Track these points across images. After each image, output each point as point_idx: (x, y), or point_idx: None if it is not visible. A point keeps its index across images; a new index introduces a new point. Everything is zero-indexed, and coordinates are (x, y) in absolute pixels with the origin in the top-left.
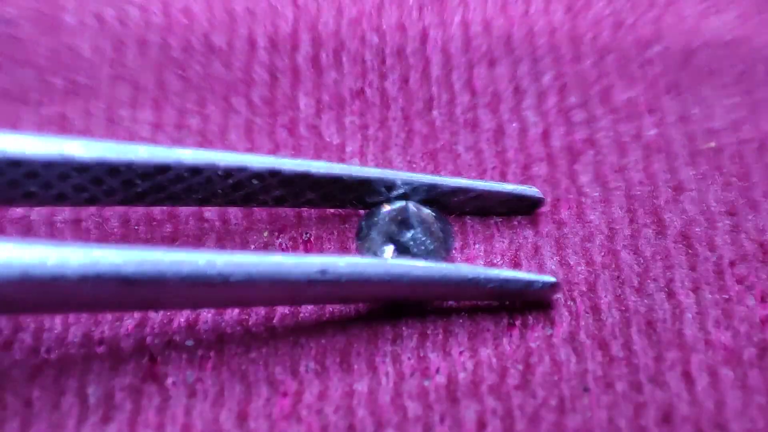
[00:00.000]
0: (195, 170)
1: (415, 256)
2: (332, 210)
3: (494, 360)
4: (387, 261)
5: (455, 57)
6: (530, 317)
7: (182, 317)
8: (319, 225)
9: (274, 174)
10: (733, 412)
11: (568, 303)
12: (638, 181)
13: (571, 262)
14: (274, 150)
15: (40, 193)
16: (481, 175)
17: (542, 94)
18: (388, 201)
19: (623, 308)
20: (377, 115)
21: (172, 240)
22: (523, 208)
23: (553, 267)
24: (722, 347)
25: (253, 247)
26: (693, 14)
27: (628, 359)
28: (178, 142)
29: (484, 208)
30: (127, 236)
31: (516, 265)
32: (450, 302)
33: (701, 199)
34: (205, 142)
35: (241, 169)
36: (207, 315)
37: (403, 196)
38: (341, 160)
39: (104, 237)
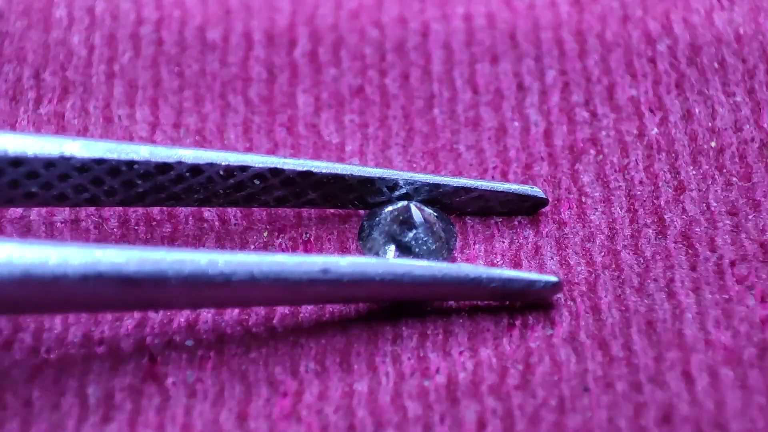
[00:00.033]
0: (196, 170)
1: (417, 256)
2: (332, 210)
3: (494, 360)
4: (389, 261)
5: (457, 53)
6: (530, 317)
7: (182, 317)
8: (319, 225)
9: (275, 173)
10: (733, 412)
11: (568, 303)
12: (639, 180)
13: (572, 262)
14: (273, 149)
15: (41, 193)
16: (482, 175)
17: (545, 91)
18: (390, 201)
19: (623, 308)
20: (377, 113)
21: (172, 240)
22: (526, 209)
23: (554, 267)
24: (722, 347)
25: (252, 247)
26: (702, 8)
27: (628, 359)
28: (176, 141)
29: (486, 208)
30: (126, 236)
31: (516, 265)
32: (450, 302)
33: (702, 199)
34: (203, 141)
35: (242, 169)
36: (207, 315)
37: (405, 196)
38: (341, 159)
39: (104, 237)
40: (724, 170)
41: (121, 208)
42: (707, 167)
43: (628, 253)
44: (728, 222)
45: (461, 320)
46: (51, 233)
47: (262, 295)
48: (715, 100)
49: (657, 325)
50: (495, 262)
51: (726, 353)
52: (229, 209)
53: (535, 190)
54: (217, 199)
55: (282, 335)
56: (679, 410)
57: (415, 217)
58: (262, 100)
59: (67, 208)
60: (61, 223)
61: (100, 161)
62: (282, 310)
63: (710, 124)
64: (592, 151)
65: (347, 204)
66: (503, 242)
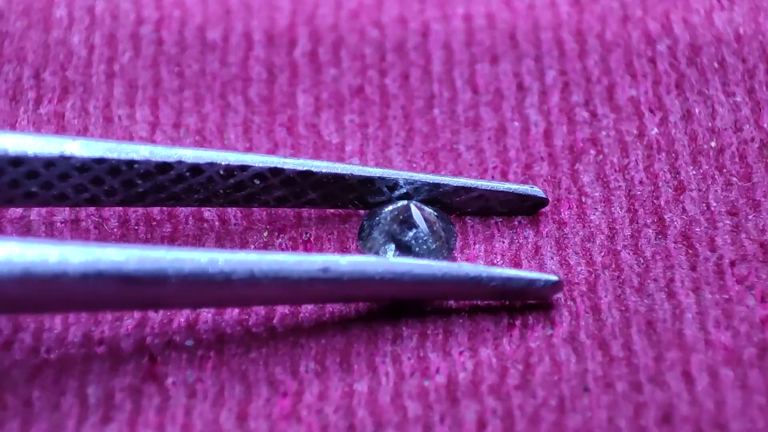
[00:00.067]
0: (196, 169)
1: (417, 255)
2: (332, 210)
3: (494, 360)
4: (389, 260)
5: (457, 53)
6: (530, 317)
7: (182, 317)
8: (318, 225)
9: (275, 173)
10: (733, 412)
11: (568, 303)
12: (639, 180)
13: (572, 262)
14: (273, 149)
15: (41, 192)
16: (482, 175)
17: (545, 91)
18: (390, 201)
19: (623, 308)
20: (377, 113)
21: (172, 240)
22: (526, 208)
23: (554, 267)
24: (722, 347)
25: (252, 247)
26: (702, 8)
27: (628, 359)
28: (176, 141)
29: (486, 207)
30: (126, 236)
31: (516, 265)
32: (450, 302)
33: (702, 199)
34: (203, 141)
35: (243, 168)
36: (207, 315)
37: (405, 196)
38: (341, 159)
39: (104, 237)
40: (724, 170)
41: (121, 208)
42: (707, 167)
43: (628, 253)
44: (728, 222)
45: (461, 320)
46: (51, 233)
47: (262, 294)
48: (715, 100)
49: (657, 325)
50: (495, 262)
51: (726, 353)
52: (229, 209)
53: (535, 190)
54: (217, 199)
55: (282, 335)
56: (679, 410)
57: (415, 217)
58: (262, 100)
59: (67, 208)
60: (61, 223)
61: (100, 161)
62: (282, 310)
63: (710, 124)
64: (592, 151)
65: (347, 204)
66: (503, 242)
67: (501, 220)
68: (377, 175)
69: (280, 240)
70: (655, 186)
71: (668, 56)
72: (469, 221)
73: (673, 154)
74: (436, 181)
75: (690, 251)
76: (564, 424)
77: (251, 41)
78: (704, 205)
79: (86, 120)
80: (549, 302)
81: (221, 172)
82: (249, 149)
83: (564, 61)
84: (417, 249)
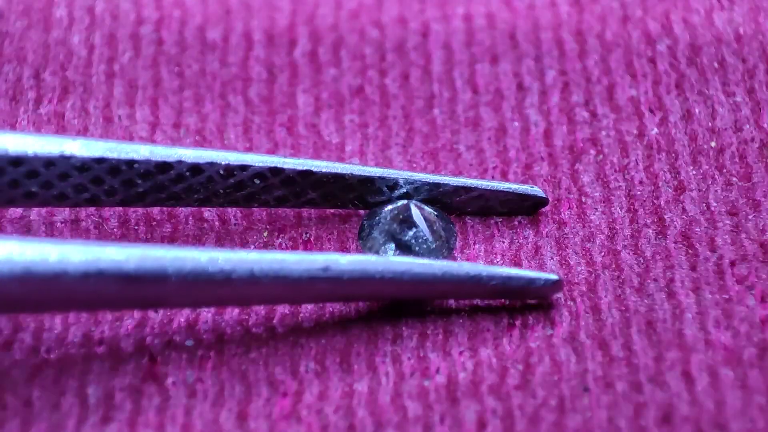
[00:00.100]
0: (196, 169)
1: (417, 254)
2: (332, 210)
3: (494, 360)
4: (389, 259)
5: (457, 53)
6: (530, 317)
7: (182, 317)
8: (318, 225)
9: (275, 172)
10: (733, 412)
11: (568, 303)
12: (639, 180)
13: (572, 262)
14: (273, 149)
15: (41, 192)
16: (482, 175)
17: (545, 91)
18: (390, 201)
19: (623, 308)
20: (377, 113)
21: (172, 240)
22: (526, 208)
23: (554, 267)
24: (722, 347)
25: (252, 247)
26: (702, 8)
27: (628, 359)
28: (176, 141)
29: (486, 207)
30: (126, 236)
31: (516, 265)
32: (450, 302)
33: (702, 199)
34: (203, 141)
35: (243, 168)
36: (207, 315)
37: (405, 196)
38: (341, 159)
39: (104, 237)
40: (724, 170)
41: (121, 208)
42: (707, 167)
43: (628, 253)
44: (728, 222)
45: (461, 320)
46: (51, 233)
47: (262, 293)
48: (715, 100)
49: (657, 325)
50: (495, 262)
51: (726, 353)
52: (229, 209)
53: (535, 190)
54: (217, 199)
55: (282, 335)
56: (679, 410)
57: (414, 216)
58: (262, 100)
59: (67, 208)
60: (61, 223)
61: (100, 160)
62: (282, 309)
63: (710, 124)
64: (592, 151)
65: (347, 204)
66: (503, 242)
67: (501, 220)
68: (377, 174)
69: (280, 240)
70: (655, 186)
71: (668, 56)
72: (469, 221)
73: (673, 154)
74: (436, 181)
75: (690, 251)
76: (564, 424)
77: (251, 41)
78: (704, 205)
79: (86, 120)
80: (549, 301)
81: (221, 172)
82: (249, 149)
83: (564, 61)
84: (417, 248)
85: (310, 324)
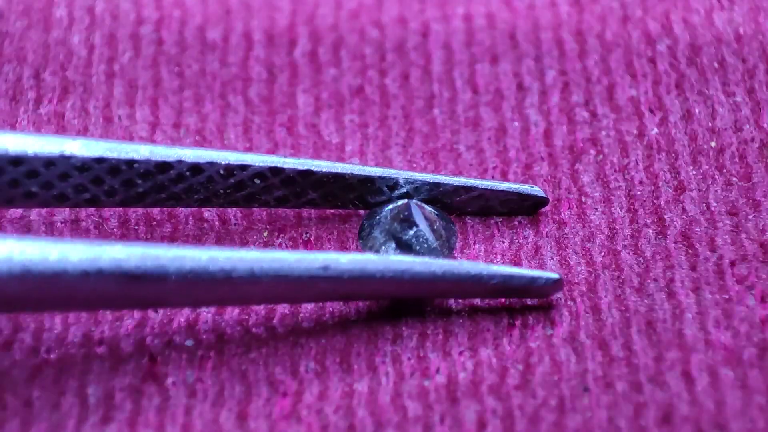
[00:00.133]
0: (196, 169)
1: (417, 254)
2: (332, 210)
3: (494, 360)
4: (390, 258)
5: (457, 53)
6: (530, 317)
7: (182, 317)
8: (318, 225)
9: (276, 172)
10: (733, 412)
11: (568, 303)
12: (639, 180)
13: (572, 262)
14: (273, 149)
15: (41, 193)
16: (482, 175)
17: (545, 91)
18: (390, 200)
19: (623, 308)
20: (377, 113)
21: (172, 240)
22: (526, 208)
23: (554, 267)
24: (722, 347)
25: (252, 247)
26: (702, 8)
27: (628, 359)
28: (176, 141)
29: (486, 207)
30: (126, 236)
31: (516, 265)
32: (450, 302)
33: (702, 199)
34: (203, 141)
35: (243, 168)
36: (207, 315)
37: (406, 195)
38: (341, 159)
39: (103, 237)
40: (724, 170)
41: (121, 208)
42: (707, 167)
43: (628, 253)
44: (728, 222)
45: (461, 320)
46: (51, 233)
47: (262, 292)
48: (715, 100)
49: (657, 325)
50: (495, 262)
51: (726, 353)
52: (229, 209)
53: (536, 190)
54: (217, 199)
55: (282, 335)
56: (679, 410)
57: (415, 215)
58: (262, 100)
59: (67, 209)
60: (61, 223)
61: (100, 160)
62: (282, 309)
63: (710, 124)
64: (592, 151)
65: (348, 204)
66: (503, 242)
67: (501, 220)
68: (377, 174)
69: (280, 240)
70: (655, 186)
71: (668, 56)
72: (469, 221)
73: (673, 154)
74: (436, 181)
75: (690, 251)
76: (564, 424)
77: (251, 41)
78: (704, 205)
79: (86, 120)
80: (549, 300)
81: (221, 172)
82: (249, 149)
83: (564, 61)
84: (417, 248)
85: (310, 324)
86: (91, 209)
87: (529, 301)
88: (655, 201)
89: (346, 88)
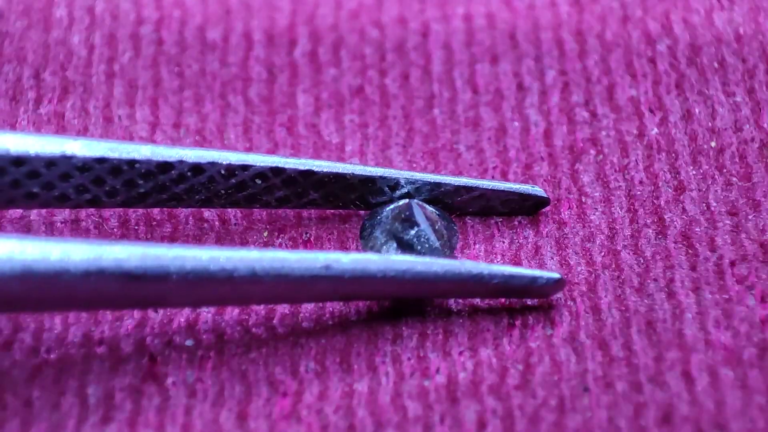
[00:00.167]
0: (197, 169)
1: (418, 253)
2: (332, 210)
3: (494, 360)
4: (391, 257)
5: (457, 53)
6: (530, 317)
7: (182, 317)
8: (319, 225)
9: (277, 172)
10: (733, 412)
11: (568, 303)
12: (639, 180)
13: (572, 263)
14: (273, 149)
15: (42, 193)
16: (482, 175)
17: (545, 91)
18: (391, 201)
19: (623, 308)
20: (377, 113)
21: (172, 240)
22: (527, 208)
23: (554, 267)
24: (722, 347)
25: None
26: (702, 8)
27: (628, 359)
28: (176, 141)
29: (487, 207)
30: (126, 236)
31: (516, 265)
32: (450, 302)
33: (702, 199)
34: (203, 141)
35: (244, 168)
36: (207, 315)
37: (407, 196)
38: (341, 159)
39: (104, 237)
40: (724, 170)
41: (121, 209)
42: (707, 167)
43: (628, 253)
44: (728, 222)
45: (461, 320)
46: (51, 233)
47: (263, 291)
48: (715, 100)
49: (657, 325)
50: (495, 262)
51: (726, 353)
52: (229, 209)
53: (537, 190)
54: (218, 200)
55: (282, 335)
56: (679, 410)
57: (416, 215)
58: (262, 100)
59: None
60: (62, 223)
61: (101, 160)
62: (282, 309)
63: (710, 124)
64: (592, 151)
65: (349, 204)
66: (503, 242)
67: (501, 220)
68: (379, 174)
69: (280, 240)
70: (655, 186)
71: (668, 56)
72: (469, 221)
73: (673, 154)
74: (437, 181)
75: (690, 251)
76: (564, 424)
77: (251, 41)
78: (704, 205)
79: (86, 120)
80: (549, 300)
81: (223, 172)
82: (249, 149)
83: (564, 61)
84: (419, 247)
85: (310, 324)
86: (91, 209)
87: (529, 301)
88: (655, 201)
89: (346, 88)
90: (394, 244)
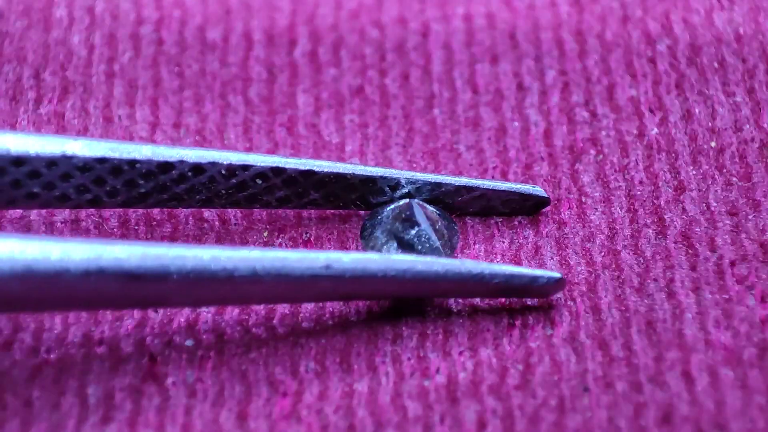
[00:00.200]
0: (198, 169)
1: (419, 253)
2: (332, 210)
3: (494, 360)
4: (392, 257)
5: (457, 53)
6: (530, 317)
7: (182, 317)
8: (319, 225)
9: (277, 172)
10: (733, 412)
11: (568, 303)
12: (639, 180)
13: (572, 262)
14: (273, 149)
15: (42, 193)
16: (482, 175)
17: (545, 91)
18: (392, 201)
19: (623, 308)
20: (377, 113)
21: (172, 240)
22: (527, 208)
23: (554, 267)
24: (722, 347)
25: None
26: (702, 8)
27: (628, 359)
28: (176, 141)
29: (487, 207)
30: (126, 236)
31: (517, 265)
32: (450, 302)
33: (702, 199)
34: (203, 141)
35: (244, 168)
36: (207, 315)
37: (407, 195)
38: (341, 159)
39: (104, 237)
40: (724, 170)
41: (121, 209)
42: (707, 167)
43: (628, 253)
44: (728, 222)
45: (461, 320)
46: (51, 233)
47: (264, 291)
48: (715, 100)
49: (657, 325)
50: (495, 261)
51: (726, 353)
52: (229, 209)
53: (537, 190)
54: (219, 200)
55: (282, 335)
56: (679, 410)
57: (417, 215)
58: (262, 100)
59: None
60: (62, 223)
61: (101, 160)
62: (282, 309)
63: (710, 124)
64: (592, 151)
65: (349, 204)
66: (503, 242)
67: (501, 220)
68: (379, 174)
69: (280, 240)
70: (655, 186)
71: (668, 56)
72: (469, 221)
73: (673, 154)
74: (437, 181)
75: (690, 251)
76: (564, 424)
77: (251, 41)
78: (704, 205)
79: (86, 120)
80: (549, 300)
81: (223, 172)
82: (249, 149)
83: (564, 61)
84: (419, 247)
85: (310, 324)
86: (91, 209)
87: (529, 301)
88: (655, 201)
89: (346, 88)
90: (395, 244)
